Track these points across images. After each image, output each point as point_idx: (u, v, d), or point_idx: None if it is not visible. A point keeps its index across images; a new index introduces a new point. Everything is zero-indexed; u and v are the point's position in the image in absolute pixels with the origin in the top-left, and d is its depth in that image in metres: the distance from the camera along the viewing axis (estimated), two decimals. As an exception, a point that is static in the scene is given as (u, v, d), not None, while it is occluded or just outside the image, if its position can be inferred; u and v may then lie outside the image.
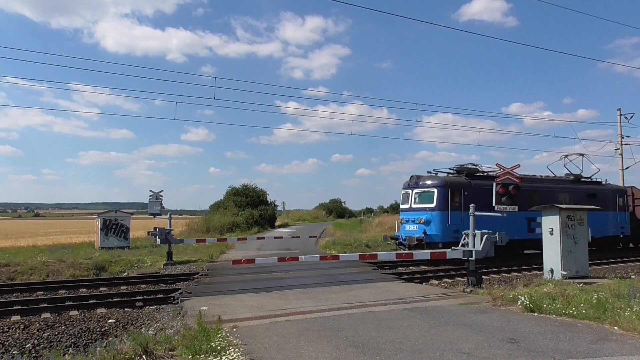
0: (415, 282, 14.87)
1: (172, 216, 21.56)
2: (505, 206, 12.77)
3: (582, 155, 26.86)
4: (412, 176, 21.56)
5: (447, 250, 12.87)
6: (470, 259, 12.32)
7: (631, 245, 27.59)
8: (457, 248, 12.72)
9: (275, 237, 28.89)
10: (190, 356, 6.05)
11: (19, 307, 11.73)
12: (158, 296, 12.94)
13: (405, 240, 20.08)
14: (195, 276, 15.97)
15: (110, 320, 10.61)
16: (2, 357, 8.84)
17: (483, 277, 14.30)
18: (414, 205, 20.93)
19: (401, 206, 22.31)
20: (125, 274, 18.89)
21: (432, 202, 20.04)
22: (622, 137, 35.12)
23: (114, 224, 26.71)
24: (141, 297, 12.74)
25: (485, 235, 12.21)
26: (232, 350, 6.20)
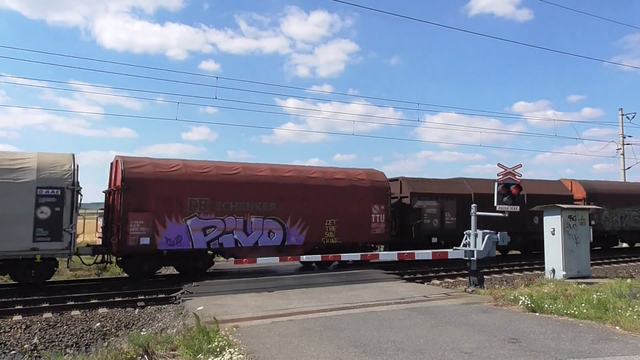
0: (417, 282, 14.87)
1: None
2: (506, 206, 12.76)
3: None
4: None
5: (449, 250, 12.86)
6: (472, 258, 12.31)
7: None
8: (459, 248, 12.72)
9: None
10: (191, 356, 6.06)
11: (21, 307, 11.74)
12: (160, 296, 12.94)
13: None
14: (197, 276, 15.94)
15: (108, 321, 10.62)
16: (3, 356, 8.86)
17: (485, 277, 14.29)
18: None
19: None
20: (126, 274, 18.87)
21: None
22: (624, 137, 35.12)
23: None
24: (143, 297, 12.75)
25: (487, 235, 12.21)
26: (233, 350, 6.20)
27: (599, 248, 25.25)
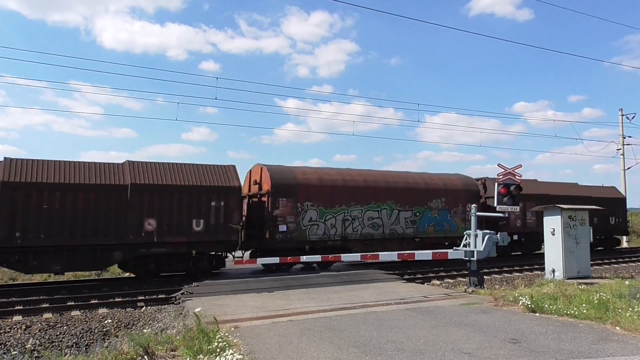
0: (417, 282, 14.88)
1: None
2: (506, 206, 12.77)
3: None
4: None
5: (449, 251, 12.86)
6: (472, 259, 12.32)
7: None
8: (459, 248, 12.72)
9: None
10: (191, 356, 6.06)
11: (21, 307, 11.75)
12: (160, 296, 12.95)
13: None
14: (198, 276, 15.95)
15: (107, 321, 10.61)
16: (3, 357, 8.86)
17: (485, 277, 14.29)
18: None
19: None
20: (127, 274, 18.89)
21: None
22: (624, 137, 35.14)
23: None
24: (143, 298, 12.76)
25: (487, 236, 12.21)
26: (233, 350, 6.20)
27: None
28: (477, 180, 22.71)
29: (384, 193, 18.83)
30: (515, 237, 21.78)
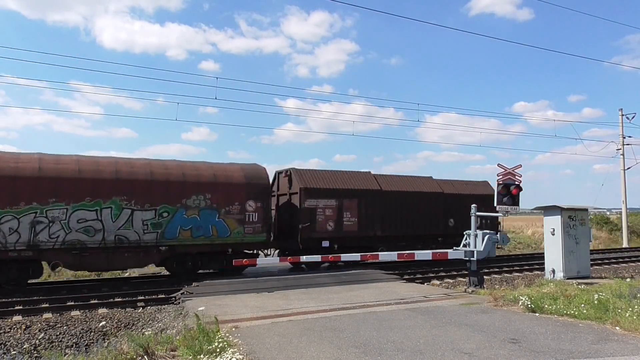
0: (417, 282, 14.88)
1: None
2: (506, 206, 12.76)
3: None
4: None
5: (449, 251, 12.87)
6: (471, 259, 12.32)
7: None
8: (459, 248, 12.73)
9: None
10: (191, 356, 6.06)
11: (21, 307, 11.74)
12: (160, 296, 12.95)
13: None
14: (197, 276, 15.94)
15: (101, 324, 10.59)
16: (3, 357, 8.87)
17: (484, 277, 14.30)
18: None
19: None
20: (127, 274, 18.90)
21: None
22: (624, 137, 35.14)
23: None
24: (143, 298, 12.76)
25: (487, 236, 12.22)
26: (233, 350, 6.21)
27: None
28: (281, 172, 18.96)
29: (109, 186, 14.21)
30: (326, 243, 17.43)
